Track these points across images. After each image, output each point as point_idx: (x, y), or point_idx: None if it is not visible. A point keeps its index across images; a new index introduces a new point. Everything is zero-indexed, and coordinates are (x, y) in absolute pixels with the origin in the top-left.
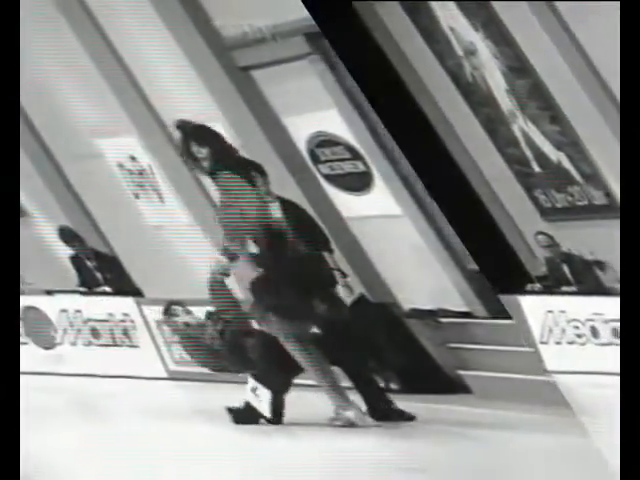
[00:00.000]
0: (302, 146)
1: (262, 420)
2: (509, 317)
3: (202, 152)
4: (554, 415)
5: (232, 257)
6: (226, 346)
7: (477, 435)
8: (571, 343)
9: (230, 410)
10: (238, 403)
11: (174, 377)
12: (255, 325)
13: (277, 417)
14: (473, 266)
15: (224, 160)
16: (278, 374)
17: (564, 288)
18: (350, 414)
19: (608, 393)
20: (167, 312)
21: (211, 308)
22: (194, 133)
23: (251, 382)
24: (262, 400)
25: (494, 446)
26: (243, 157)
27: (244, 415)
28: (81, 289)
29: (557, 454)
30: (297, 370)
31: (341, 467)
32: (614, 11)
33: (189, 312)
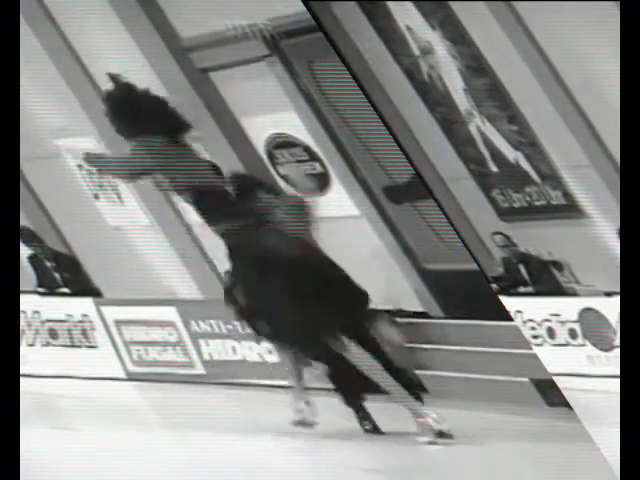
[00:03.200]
0: (260, 147)
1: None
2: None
3: None
4: (513, 415)
5: None
6: None
7: None
8: None
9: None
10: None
11: (133, 378)
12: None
13: None
14: (430, 266)
15: None
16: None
17: (521, 289)
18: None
19: (570, 395)
20: None
21: None
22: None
23: None
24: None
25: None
26: None
27: None
28: (40, 290)
29: (519, 456)
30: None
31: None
32: (573, 10)
33: None
